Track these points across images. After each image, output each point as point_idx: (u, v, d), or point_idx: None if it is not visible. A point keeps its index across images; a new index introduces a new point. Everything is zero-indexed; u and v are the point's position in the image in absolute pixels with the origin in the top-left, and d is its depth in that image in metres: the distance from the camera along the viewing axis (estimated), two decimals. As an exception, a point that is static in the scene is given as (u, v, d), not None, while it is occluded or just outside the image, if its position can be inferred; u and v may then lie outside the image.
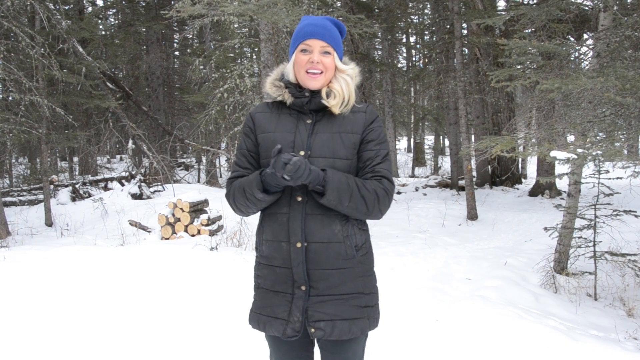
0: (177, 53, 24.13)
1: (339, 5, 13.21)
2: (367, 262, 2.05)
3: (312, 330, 1.94)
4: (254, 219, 2.69)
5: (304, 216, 1.94)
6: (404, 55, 24.33)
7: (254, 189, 1.92)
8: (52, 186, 12.42)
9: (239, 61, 17.80)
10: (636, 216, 5.84)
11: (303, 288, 1.95)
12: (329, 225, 1.94)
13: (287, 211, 1.95)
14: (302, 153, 1.94)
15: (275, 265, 2.00)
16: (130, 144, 13.82)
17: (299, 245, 1.93)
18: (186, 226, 8.13)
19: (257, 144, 2.06)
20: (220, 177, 20.83)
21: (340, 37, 2.06)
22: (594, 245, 5.78)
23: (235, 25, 15.05)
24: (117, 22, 22.98)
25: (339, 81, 2.01)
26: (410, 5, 18.41)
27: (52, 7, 11.94)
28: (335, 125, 2.00)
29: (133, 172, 13.64)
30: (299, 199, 1.94)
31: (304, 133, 1.98)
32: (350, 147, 1.98)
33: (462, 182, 15.14)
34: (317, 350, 2.17)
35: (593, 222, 5.82)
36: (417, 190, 15.77)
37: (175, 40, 23.49)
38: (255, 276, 2.11)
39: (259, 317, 2.04)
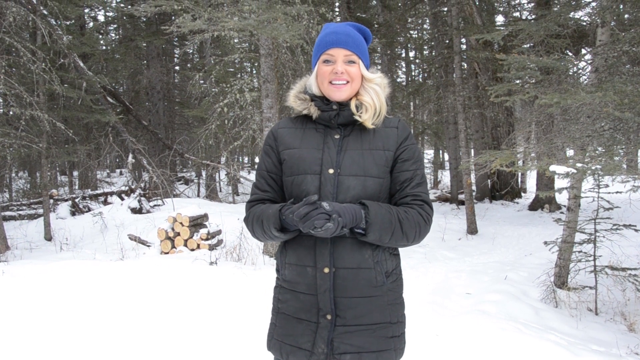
0: (177, 68, 24.30)
1: (338, 20, 13.32)
2: (396, 289, 1.91)
3: None
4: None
5: (333, 239, 1.78)
6: (403, 69, 24.43)
7: (271, 227, 1.77)
8: (51, 200, 12.42)
9: (239, 76, 17.89)
10: (636, 230, 5.83)
11: (329, 317, 1.79)
12: (359, 250, 1.79)
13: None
14: (331, 171, 1.80)
15: (298, 291, 1.85)
16: (130, 158, 13.85)
17: (326, 270, 1.78)
18: (186, 240, 8.12)
19: (278, 163, 1.92)
20: (220, 191, 20.84)
21: (366, 43, 1.91)
22: (594, 260, 5.76)
23: (235, 40, 15.18)
24: (118, 37, 23.12)
25: (369, 92, 1.86)
26: (410, 20, 18.55)
27: (54, 22, 12.06)
28: (366, 141, 1.86)
29: (133, 187, 13.68)
30: None
31: (332, 150, 1.84)
32: (382, 165, 1.84)
33: (461, 196, 15.17)
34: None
35: (593, 236, 5.81)
36: (417, 204, 15.73)
37: (176, 55, 23.66)
38: (275, 299, 1.97)
39: (281, 345, 1.88)
